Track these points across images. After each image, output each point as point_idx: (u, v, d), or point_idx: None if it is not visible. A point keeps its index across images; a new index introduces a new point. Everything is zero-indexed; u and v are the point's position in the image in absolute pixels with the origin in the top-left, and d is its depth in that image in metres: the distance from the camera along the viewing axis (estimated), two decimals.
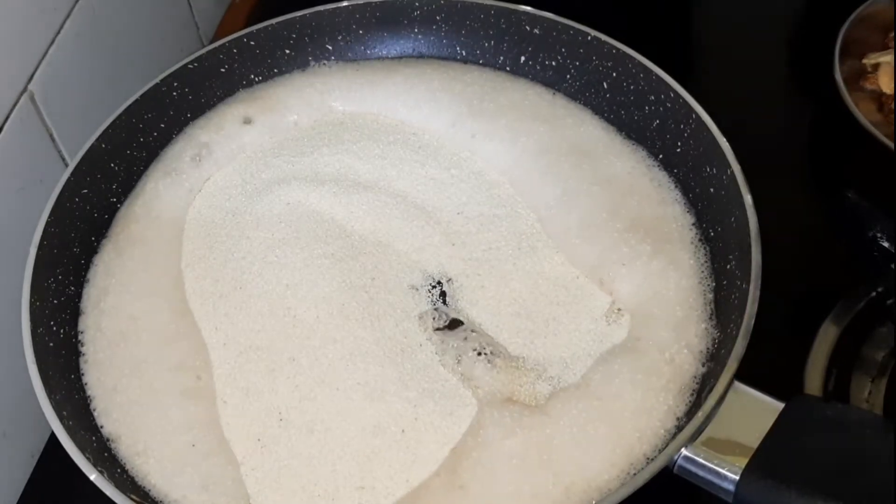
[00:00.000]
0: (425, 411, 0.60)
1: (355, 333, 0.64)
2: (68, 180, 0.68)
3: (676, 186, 0.70)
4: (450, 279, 0.67)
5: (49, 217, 0.65)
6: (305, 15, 0.79)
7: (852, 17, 0.85)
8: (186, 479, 0.59)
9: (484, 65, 0.79)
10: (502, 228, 0.70)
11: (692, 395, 0.60)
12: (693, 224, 0.68)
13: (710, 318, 0.63)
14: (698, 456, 0.55)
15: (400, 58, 0.81)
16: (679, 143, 0.70)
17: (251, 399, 0.62)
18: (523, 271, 0.67)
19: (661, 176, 0.71)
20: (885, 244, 0.78)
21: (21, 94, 0.68)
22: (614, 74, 0.74)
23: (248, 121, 0.77)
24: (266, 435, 0.61)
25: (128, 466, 0.60)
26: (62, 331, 0.64)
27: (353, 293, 0.66)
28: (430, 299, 0.67)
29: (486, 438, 0.58)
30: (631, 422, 0.58)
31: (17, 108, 0.67)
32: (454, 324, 0.65)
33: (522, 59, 0.78)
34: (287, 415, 0.61)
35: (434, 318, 0.66)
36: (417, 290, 0.67)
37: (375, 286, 0.67)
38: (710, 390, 0.56)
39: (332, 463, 0.59)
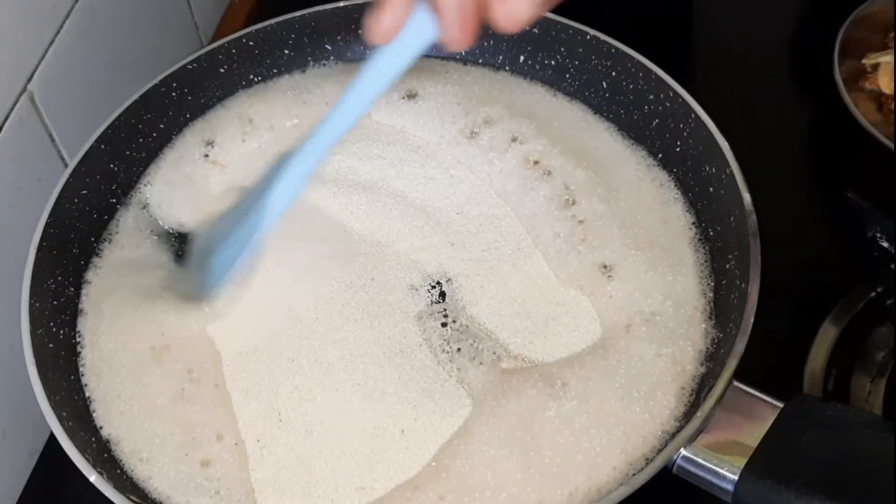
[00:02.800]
0: (425, 412, 0.60)
1: (355, 334, 0.64)
2: (68, 181, 0.68)
3: (676, 186, 0.70)
4: (449, 279, 0.67)
5: (49, 217, 0.65)
6: (305, 15, 0.79)
7: (852, 17, 0.85)
8: (190, 484, 0.59)
9: (483, 65, 0.79)
10: (502, 228, 0.70)
11: (691, 395, 0.60)
12: (693, 224, 0.68)
13: (710, 318, 0.63)
14: (697, 456, 0.55)
15: None
16: (678, 143, 0.70)
17: (250, 400, 0.62)
18: (523, 271, 0.67)
19: (661, 175, 0.71)
20: (885, 244, 0.78)
21: (21, 94, 0.68)
22: (613, 74, 0.74)
23: (247, 121, 0.77)
24: (266, 436, 0.61)
25: (128, 469, 0.59)
26: (62, 332, 0.64)
27: (353, 293, 0.66)
28: (429, 299, 0.67)
29: (482, 437, 0.59)
30: (632, 422, 0.58)
31: (16, 108, 0.67)
32: (453, 324, 0.65)
33: (521, 58, 0.78)
34: (286, 415, 0.61)
35: (433, 319, 0.66)
36: (417, 290, 0.67)
37: (375, 286, 0.67)
38: (710, 390, 0.56)
39: (332, 463, 0.59)
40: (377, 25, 0.48)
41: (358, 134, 0.76)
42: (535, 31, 0.76)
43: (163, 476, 0.59)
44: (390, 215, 0.70)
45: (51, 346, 0.62)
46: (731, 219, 0.64)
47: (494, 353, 0.63)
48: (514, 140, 0.73)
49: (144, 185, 0.74)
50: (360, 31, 0.80)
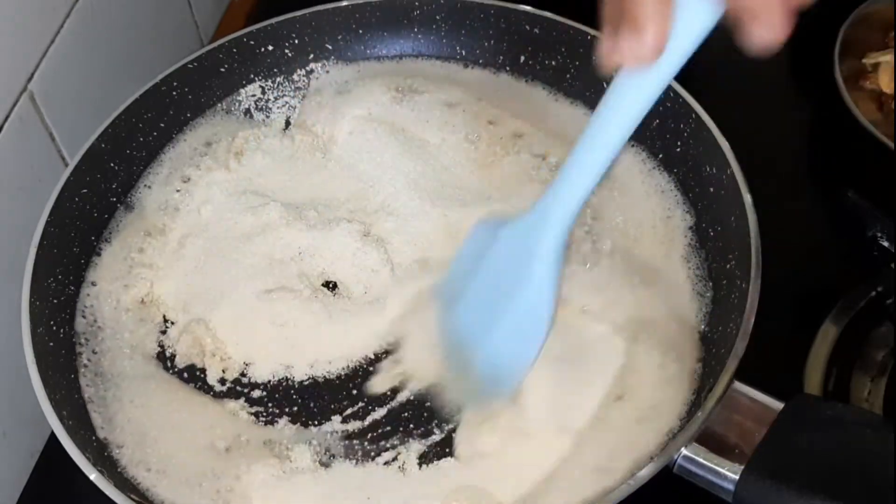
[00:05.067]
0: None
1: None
2: (68, 180, 0.68)
3: (676, 186, 0.70)
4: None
5: (49, 217, 0.65)
6: (305, 15, 0.79)
7: (852, 16, 0.85)
8: (194, 490, 0.58)
9: (484, 65, 0.79)
10: None
11: (692, 394, 0.60)
12: (693, 224, 0.68)
13: (711, 319, 0.63)
14: (698, 455, 0.55)
15: (400, 57, 0.81)
16: (679, 143, 0.70)
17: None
18: None
19: (662, 176, 0.71)
20: (885, 244, 0.78)
21: (21, 94, 0.68)
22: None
23: (248, 121, 0.77)
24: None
25: (129, 473, 0.59)
26: (62, 331, 0.64)
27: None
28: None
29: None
30: (638, 423, 0.58)
31: (17, 108, 0.67)
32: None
33: (522, 58, 0.78)
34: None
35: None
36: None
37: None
38: (710, 390, 0.56)
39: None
40: (639, 45, 0.36)
41: (358, 134, 0.76)
42: (536, 31, 0.76)
43: (167, 482, 0.59)
44: (390, 215, 0.71)
45: (51, 344, 0.62)
46: (732, 219, 0.64)
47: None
48: (515, 141, 0.73)
49: (144, 185, 0.74)
50: (360, 31, 0.80)
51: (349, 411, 0.62)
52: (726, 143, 0.66)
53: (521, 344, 0.51)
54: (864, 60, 0.85)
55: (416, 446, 0.60)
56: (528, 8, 0.77)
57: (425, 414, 0.62)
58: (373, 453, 0.60)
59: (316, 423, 0.62)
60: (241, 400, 0.63)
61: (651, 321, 0.63)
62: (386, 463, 0.59)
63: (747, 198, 0.63)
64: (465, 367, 0.55)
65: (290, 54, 0.80)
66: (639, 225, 0.68)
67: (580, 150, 0.45)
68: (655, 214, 0.69)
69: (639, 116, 0.43)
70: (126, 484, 0.58)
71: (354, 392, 0.63)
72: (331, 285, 0.68)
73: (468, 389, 0.57)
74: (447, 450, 0.60)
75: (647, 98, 0.41)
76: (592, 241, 0.67)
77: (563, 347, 0.61)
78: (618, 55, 0.37)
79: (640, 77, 0.39)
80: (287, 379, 0.64)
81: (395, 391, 0.63)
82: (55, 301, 0.65)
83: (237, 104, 0.78)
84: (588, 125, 0.44)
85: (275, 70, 0.80)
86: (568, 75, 0.77)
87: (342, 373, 0.64)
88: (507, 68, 0.79)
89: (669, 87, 0.70)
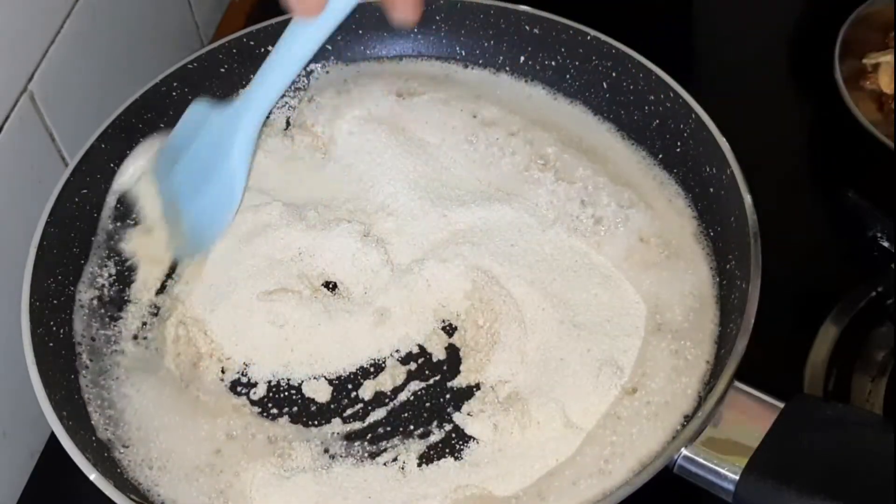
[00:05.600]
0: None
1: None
2: (68, 180, 0.68)
3: (677, 186, 0.70)
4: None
5: (49, 217, 0.65)
6: None
7: (852, 17, 0.85)
8: (192, 486, 0.58)
9: (484, 65, 0.79)
10: (503, 229, 0.70)
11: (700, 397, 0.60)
12: (693, 224, 0.68)
13: (712, 318, 0.63)
14: (698, 456, 0.55)
15: (400, 58, 0.81)
16: (679, 143, 0.70)
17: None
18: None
19: (662, 175, 0.71)
20: (885, 244, 0.78)
21: (21, 94, 0.68)
22: (614, 74, 0.74)
23: None
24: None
25: (131, 473, 0.59)
26: (62, 331, 0.64)
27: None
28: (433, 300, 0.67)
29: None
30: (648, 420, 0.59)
31: (17, 108, 0.67)
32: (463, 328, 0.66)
33: (522, 58, 0.78)
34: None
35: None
36: (430, 284, 0.67)
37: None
38: (711, 390, 0.56)
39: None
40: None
41: (358, 134, 0.76)
42: (536, 31, 0.76)
43: (168, 479, 0.59)
44: (390, 215, 0.71)
45: (51, 345, 0.62)
46: (732, 219, 0.64)
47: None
48: (514, 141, 0.73)
49: (144, 184, 0.74)
50: (360, 31, 0.80)
51: (349, 411, 0.62)
52: (726, 143, 0.66)
53: (218, 210, 0.65)
54: (864, 60, 0.85)
55: (416, 446, 0.60)
56: (527, 8, 0.77)
57: (425, 414, 0.62)
58: (373, 453, 0.60)
59: (316, 423, 0.62)
60: (243, 398, 0.63)
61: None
62: (386, 463, 0.59)
63: (747, 198, 0.63)
64: (176, 219, 0.67)
65: None
66: (641, 224, 0.68)
67: (267, 69, 0.60)
68: (657, 215, 0.69)
69: (311, 51, 0.58)
70: (126, 484, 0.58)
71: (354, 392, 0.63)
72: (330, 285, 0.68)
73: (177, 238, 0.67)
74: (447, 450, 0.60)
75: (315, 38, 0.58)
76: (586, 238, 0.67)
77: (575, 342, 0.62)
78: (291, 5, 0.55)
79: (309, 23, 0.56)
80: (287, 379, 0.64)
81: (395, 391, 0.63)
82: (55, 301, 0.65)
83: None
84: (273, 52, 0.59)
85: None
86: (567, 75, 0.77)
87: (342, 373, 0.64)
88: (507, 68, 0.79)
89: (669, 88, 0.70)
